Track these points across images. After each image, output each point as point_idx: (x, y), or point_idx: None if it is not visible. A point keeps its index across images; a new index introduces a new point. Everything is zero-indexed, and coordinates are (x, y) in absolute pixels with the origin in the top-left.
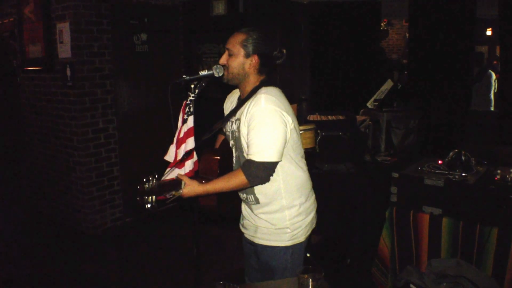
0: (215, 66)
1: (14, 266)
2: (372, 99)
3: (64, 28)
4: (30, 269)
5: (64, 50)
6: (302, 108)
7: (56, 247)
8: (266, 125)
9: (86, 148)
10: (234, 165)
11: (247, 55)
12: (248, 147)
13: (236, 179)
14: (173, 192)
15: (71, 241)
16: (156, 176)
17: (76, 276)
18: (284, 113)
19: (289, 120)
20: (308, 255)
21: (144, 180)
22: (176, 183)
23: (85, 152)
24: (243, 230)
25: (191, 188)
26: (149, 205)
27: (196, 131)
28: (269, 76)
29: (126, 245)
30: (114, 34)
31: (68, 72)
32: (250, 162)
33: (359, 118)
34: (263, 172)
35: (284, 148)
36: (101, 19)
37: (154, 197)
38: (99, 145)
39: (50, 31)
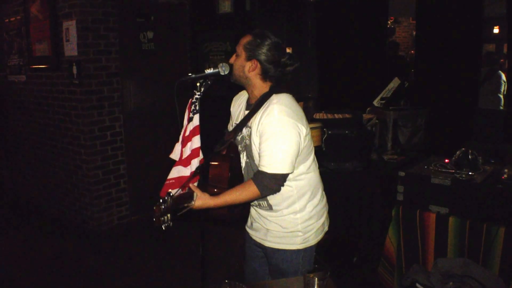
0: (221, 64)
1: (20, 264)
2: (379, 97)
3: (70, 26)
4: (37, 266)
5: (71, 48)
6: (309, 106)
7: (63, 245)
8: (279, 137)
9: (92, 146)
10: (243, 171)
11: (248, 59)
12: (260, 157)
13: (248, 192)
14: (185, 205)
15: (77, 238)
16: (171, 194)
17: (83, 273)
18: (298, 123)
19: (303, 130)
20: (313, 256)
21: (161, 201)
22: (188, 195)
23: (91, 150)
24: (251, 232)
25: (202, 201)
26: (165, 225)
27: (202, 130)
28: (278, 82)
29: (132, 243)
30: (120, 32)
31: (75, 70)
32: (262, 174)
33: (366, 116)
34: (274, 183)
35: (296, 158)
36: (107, 17)
37: (169, 215)
38: (106, 143)
39: (56, 29)
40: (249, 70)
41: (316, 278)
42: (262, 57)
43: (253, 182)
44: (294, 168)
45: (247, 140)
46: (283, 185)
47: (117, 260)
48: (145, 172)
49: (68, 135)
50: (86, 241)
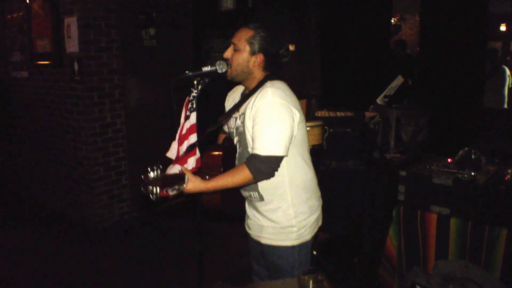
0: (218, 62)
1: (21, 260)
2: (382, 95)
3: (72, 23)
4: (37, 263)
5: (72, 45)
6: (312, 103)
7: (64, 241)
8: (272, 119)
9: (94, 142)
10: (236, 161)
11: (253, 53)
12: (253, 141)
13: (240, 175)
14: (176, 187)
15: (78, 235)
16: (161, 167)
17: (83, 269)
18: (292, 107)
19: (297, 114)
20: (314, 253)
21: (149, 169)
22: (180, 177)
23: (93, 147)
24: (248, 230)
25: (194, 184)
26: (153, 196)
27: (199, 128)
28: (274, 72)
29: (133, 240)
30: (122, 29)
31: (76, 67)
32: (255, 156)
33: (369, 114)
34: (268, 166)
35: (290, 142)
36: (109, 13)
37: (158, 188)
38: (107, 140)
39: (58, 25)
40: (253, 64)
41: (311, 280)
42: (267, 49)
43: (246, 165)
44: (287, 151)
45: (241, 128)
46: (276, 170)
47: (117, 256)
48: (146, 169)
49: (69, 131)
50: (87, 238)
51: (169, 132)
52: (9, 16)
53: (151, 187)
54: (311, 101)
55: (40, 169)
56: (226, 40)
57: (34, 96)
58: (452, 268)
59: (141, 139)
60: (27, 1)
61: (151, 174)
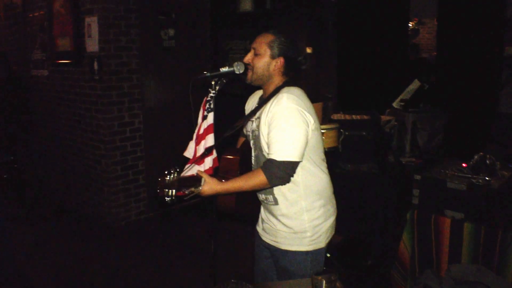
0: (236, 63)
1: (39, 256)
2: (398, 99)
3: (92, 22)
4: (55, 259)
5: (92, 44)
6: (328, 106)
7: (80, 239)
8: (288, 124)
9: (112, 141)
10: (252, 165)
11: (273, 57)
12: (268, 146)
13: (256, 179)
14: (192, 189)
15: (95, 233)
16: (178, 170)
17: (99, 267)
18: (306, 113)
19: (311, 120)
20: (328, 255)
21: (166, 172)
22: (196, 179)
23: (110, 146)
24: (261, 233)
25: (210, 186)
26: (168, 199)
27: (216, 128)
28: (293, 78)
29: (148, 239)
30: (141, 29)
31: (96, 66)
32: (271, 161)
33: (384, 118)
34: (283, 171)
35: (305, 148)
36: (129, 13)
37: (174, 191)
38: (125, 139)
39: (78, 25)
40: (274, 67)
41: (324, 281)
42: (287, 54)
43: (262, 170)
44: (302, 156)
45: (256, 132)
46: (292, 175)
47: (133, 255)
48: (164, 169)
49: (88, 130)
50: (103, 236)
51: (186, 132)
52: (31, 15)
53: (167, 190)
54: (327, 103)
55: (59, 166)
56: (244, 42)
57: (54, 94)
58: (464, 272)
59: (158, 139)
60: (49, 0)
61: (168, 178)
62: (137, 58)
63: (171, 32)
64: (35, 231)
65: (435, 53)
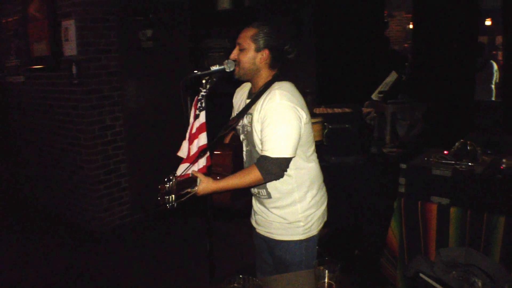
0: (226, 61)
1: (21, 264)
2: (377, 91)
3: (69, 26)
4: (39, 267)
5: (70, 48)
6: (307, 101)
7: (65, 245)
8: (281, 121)
9: (93, 146)
10: (244, 160)
11: (258, 49)
12: (262, 143)
13: (250, 176)
14: (189, 189)
15: (80, 239)
16: (176, 175)
17: (85, 273)
18: (299, 108)
19: (303, 115)
20: (316, 247)
21: (166, 180)
22: (191, 180)
23: (92, 150)
24: (255, 225)
25: (205, 185)
26: (169, 205)
27: (207, 127)
28: (282, 70)
29: (134, 242)
30: (119, 30)
31: (74, 70)
32: (265, 158)
33: (364, 110)
34: (277, 168)
35: (298, 143)
36: (106, 16)
37: (174, 196)
38: (106, 143)
39: (55, 29)
40: (260, 60)
41: (327, 271)
42: (271, 45)
43: (256, 166)
44: (295, 152)
45: (248, 128)
46: (286, 171)
47: (119, 259)
48: (146, 171)
49: (68, 135)
50: (88, 241)
51: (169, 133)
52: (4, 20)
53: (167, 197)
54: (306, 98)
55: (40, 173)
56: (223, 40)
57: (31, 100)
58: (454, 255)
59: (140, 141)
60: (24, 4)
61: (167, 185)
62: (116, 61)
63: (149, 32)
64: (18, 239)
65: (406, 45)
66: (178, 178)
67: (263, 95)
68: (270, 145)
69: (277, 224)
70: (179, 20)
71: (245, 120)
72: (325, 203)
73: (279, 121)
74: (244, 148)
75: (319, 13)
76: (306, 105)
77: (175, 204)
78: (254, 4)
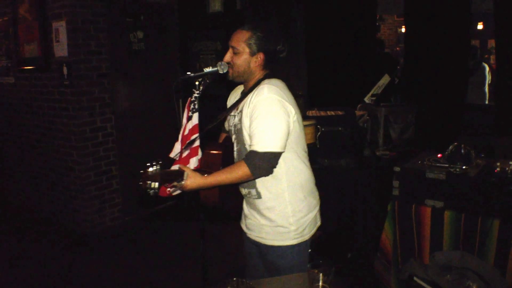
0: (220, 63)
1: (12, 267)
2: (370, 94)
3: (60, 27)
4: (29, 270)
5: (61, 49)
6: (299, 103)
7: (56, 248)
8: (269, 115)
9: (84, 147)
10: (235, 159)
11: (253, 53)
12: (250, 137)
13: (239, 171)
14: (175, 183)
15: (70, 241)
16: (160, 162)
17: (76, 276)
18: (287, 104)
19: (292, 111)
20: (309, 250)
21: (148, 164)
22: (179, 173)
23: (83, 152)
24: (246, 230)
25: (193, 180)
26: (151, 191)
27: (200, 128)
28: (273, 69)
29: (126, 245)
30: (110, 32)
31: (65, 71)
32: (253, 152)
33: (357, 113)
34: (266, 162)
35: (287, 139)
36: (97, 17)
37: (157, 184)
38: (97, 144)
39: (46, 30)
40: (254, 64)
41: (321, 274)
42: (266, 48)
43: (244, 162)
44: (284, 147)
45: (238, 125)
46: (275, 166)
47: (110, 261)
48: (138, 172)
49: (59, 136)
50: (79, 244)
51: (159, 134)
52: None
53: (149, 182)
54: (298, 101)
55: (31, 175)
56: (214, 42)
57: (21, 101)
58: (449, 258)
59: (131, 142)
60: (13, 5)
61: (150, 169)
62: (107, 62)
63: (140, 34)
64: (7, 241)
65: (398, 48)
66: (165, 170)
67: (252, 91)
68: (258, 139)
69: (267, 228)
70: (170, 22)
71: (236, 119)
72: (318, 207)
73: (267, 115)
74: (235, 148)
75: (311, 16)
76: (298, 107)
77: (158, 192)
78: (245, 7)
